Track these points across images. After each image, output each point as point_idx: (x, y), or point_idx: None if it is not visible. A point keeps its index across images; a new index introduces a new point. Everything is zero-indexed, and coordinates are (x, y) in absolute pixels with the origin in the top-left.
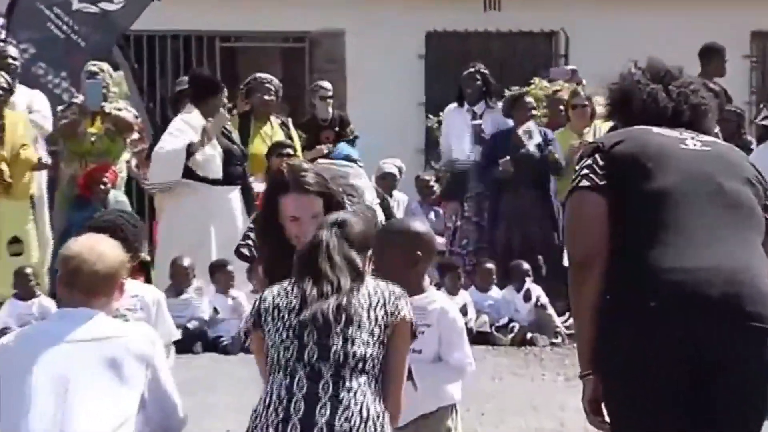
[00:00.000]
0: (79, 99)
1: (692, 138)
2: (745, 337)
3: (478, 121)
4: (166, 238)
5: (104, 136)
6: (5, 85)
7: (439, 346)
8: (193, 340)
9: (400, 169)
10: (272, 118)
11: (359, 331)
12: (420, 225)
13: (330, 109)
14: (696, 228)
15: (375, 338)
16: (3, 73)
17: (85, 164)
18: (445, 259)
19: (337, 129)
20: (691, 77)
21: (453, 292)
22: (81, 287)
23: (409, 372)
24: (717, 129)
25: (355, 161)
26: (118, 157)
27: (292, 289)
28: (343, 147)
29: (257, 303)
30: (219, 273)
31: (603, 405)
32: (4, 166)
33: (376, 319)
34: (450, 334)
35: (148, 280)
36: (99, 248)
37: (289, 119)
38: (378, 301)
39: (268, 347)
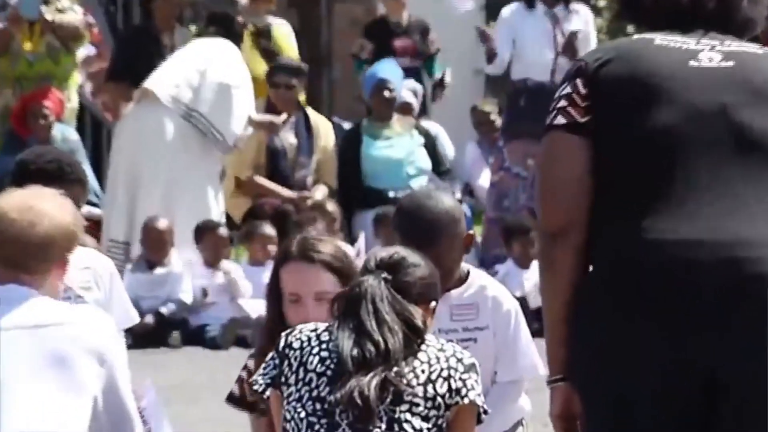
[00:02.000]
0: (12, 1)
1: (711, 47)
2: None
3: (578, 27)
4: (118, 181)
5: (45, 53)
6: None
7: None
8: (169, 330)
9: (415, 93)
10: (272, 22)
11: (410, 414)
12: (449, 198)
13: (405, 12)
14: (702, 187)
15: (431, 423)
16: None
17: (21, 91)
18: (512, 219)
19: (417, 38)
20: None
21: (524, 264)
22: (5, 259)
23: None
24: None
25: (387, 85)
26: (66, 80)
27: (327, 342)
28: (383, 67)
29: (281, 347)
30: (208, 238)
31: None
32: None
33: (434, 398)
34: (505, 335)
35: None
36: (37, 206)
37: (272, 24)
38: (440, 373)
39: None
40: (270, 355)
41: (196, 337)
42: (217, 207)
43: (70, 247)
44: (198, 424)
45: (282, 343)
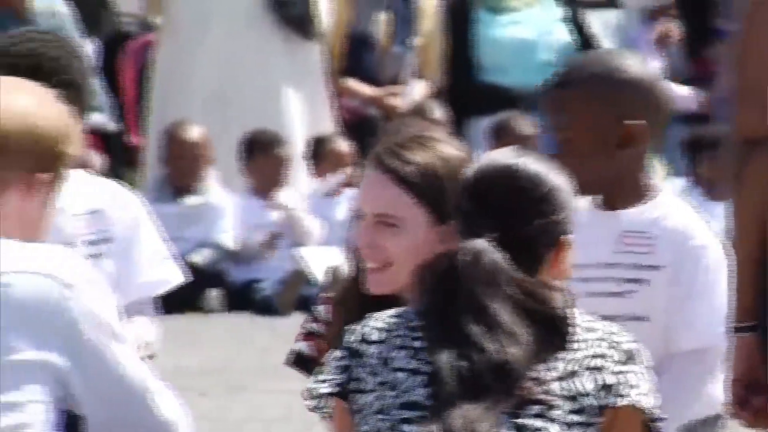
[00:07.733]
0: None
1: None
2: None
3: None
4: (161, 86)
5: None
6: None
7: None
8: (203, 288)
9: None
10: None
11: (543, 419)
12: (642, 61)
13: None
14: None
15: None
16: None
17: None
18: (697, 129)
19: None
20: None
21: (717, 196)
22: None
23: None
24: None
25: None
26: None
27: (419, 329)
28: None
29: (352, 340)
30: (260, 156)
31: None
32: None
33: (577, 397)
34: (690, 279)
35: (116, 173)
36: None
37: None
38: (586, 363)
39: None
40: (335, 354)
41: (241, 298)
42: (291, 115)
43: (47, 155)
44: (242, 425)
45: (353, 336)
